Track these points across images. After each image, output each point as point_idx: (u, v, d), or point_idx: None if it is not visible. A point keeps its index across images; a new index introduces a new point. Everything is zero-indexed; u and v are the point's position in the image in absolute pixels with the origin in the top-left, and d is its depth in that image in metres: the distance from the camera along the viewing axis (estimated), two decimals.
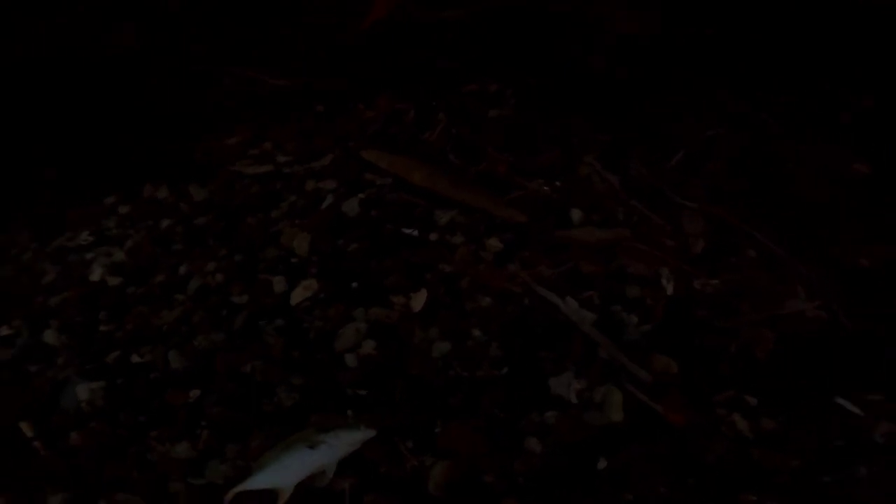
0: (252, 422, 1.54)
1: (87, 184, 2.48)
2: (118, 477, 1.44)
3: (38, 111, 2.90)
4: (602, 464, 1.43)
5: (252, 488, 1.38)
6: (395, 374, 1.65)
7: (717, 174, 2.27)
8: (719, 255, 2.01)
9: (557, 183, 2.27)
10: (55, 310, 1.92)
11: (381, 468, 1.45)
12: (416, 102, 2.80)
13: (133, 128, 2.81)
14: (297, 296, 1.84)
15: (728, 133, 2.42)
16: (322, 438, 1.40)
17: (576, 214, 2.14)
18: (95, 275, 2.03)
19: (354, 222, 2.11)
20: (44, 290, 1.99)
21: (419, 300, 1.83)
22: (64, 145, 2.72)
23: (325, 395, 1.59)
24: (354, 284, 1.88)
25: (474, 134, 2.60)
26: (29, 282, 2.02)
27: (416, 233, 2.09)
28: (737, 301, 1.83)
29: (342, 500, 1.38)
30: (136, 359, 1.74)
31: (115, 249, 2.13)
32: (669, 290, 1.89)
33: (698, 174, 2.26)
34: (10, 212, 2.36)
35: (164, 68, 3.15)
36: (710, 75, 2.72)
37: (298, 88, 2.98)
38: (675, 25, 3.01)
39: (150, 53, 3.25)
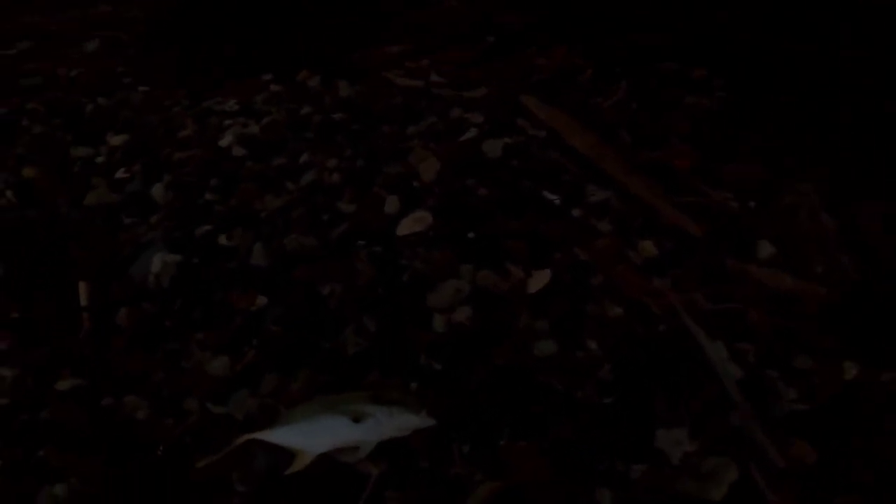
0: (305, 357, 1.21)
1: (254, 63, 2.30)
2: (140, 374, 1.19)
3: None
4: None
5: (270, 440, 1.06)
6: (481, 357, 1.22)
7: None
8: None
9: (751, 203, 1.63)
10: (175, 165, 1.73)
11: (420, 463, 1.07)
12: (597, 63, 2.22)
13: (308, 23, 2.56)
14: (406, 226, 1.45)
15: None
16: (372, 412, 1.03)
17: (765, 248, 1.51)
18: (225, 141, 1.82)
19: (492, 165, 1.67)
20: (175, 143, 1.81)
21: (539, 281, 1.35)
22: (247, 30, 2.55)
23: (395, 355, 1.21)
24: (471, 235, 1.44)
25: (658, 116, 1.98)
26: (165, 133, 1.86)
27: (557, 201, 1.59)
28: None
29: (362, 485, 1.01)
30: (222, 240, 1.48)
31: (252, 122, 1.92)
32: (851, 374, 1.28)
33: None
34: (178, 73, 2.25)
35: None
36: None
37: (475, 13, 2.52)
38: None
39: None
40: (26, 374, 1.19)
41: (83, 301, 1.36)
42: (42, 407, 1.13)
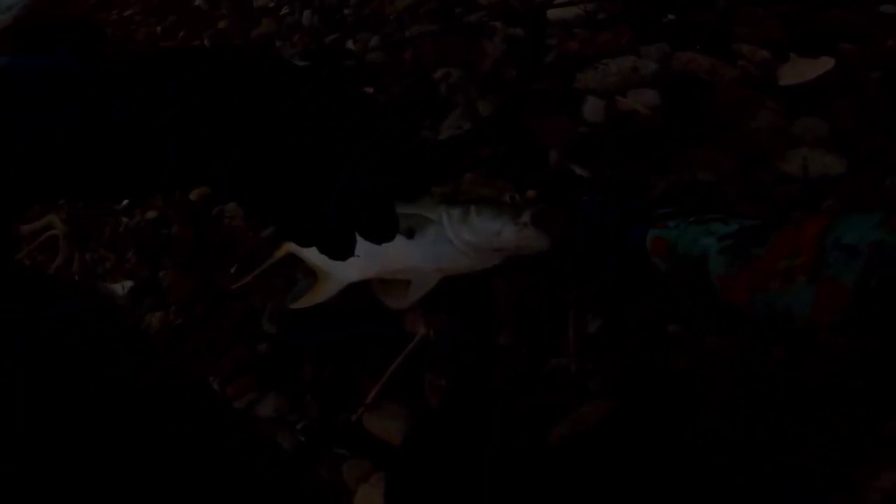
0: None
1: None
2: None
3: None
4: None
5: (301, 256, 0.63)
6: (664, 163, 0.60)
7: None
8: None
9: None
10: None
11: (501, 335, 0.53)
12: None
13: None
14: (562, 6, 0.88)
15: None
16: (435, 217, 0.51)
17: None
18: None
19: None
20: None
21: (807, 69, 0.65)
22: None
23: (512, 147, 0.67)
24: (671, 17, 0.80)
25: None
26: None
27: None
28: None
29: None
30: (349, 45, 1.13)
31: None
32: None
33: None
34: None
35: None
36: None
37: None
38: None
39: None
40: None
41: None
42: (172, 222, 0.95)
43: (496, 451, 0.49)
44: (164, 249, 0.93)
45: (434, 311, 0.56)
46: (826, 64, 0.65)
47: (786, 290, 0.36)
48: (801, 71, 0.65)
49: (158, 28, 1.89)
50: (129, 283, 0.91)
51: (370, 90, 0.94)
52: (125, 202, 1.04)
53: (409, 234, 0.52)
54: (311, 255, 0.62)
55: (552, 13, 0.88)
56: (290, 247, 0.67)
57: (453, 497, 0.48)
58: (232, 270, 0.79)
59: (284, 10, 1.55)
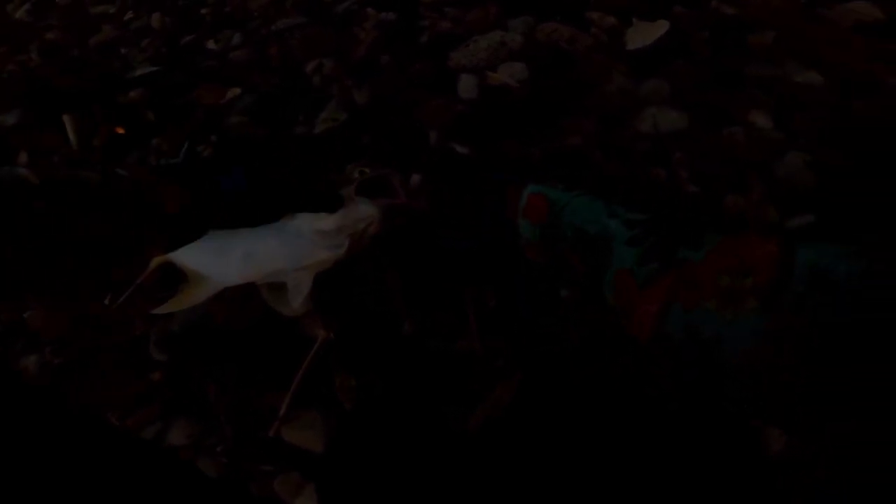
0: (265, 148, 0.71)
1: None
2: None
3: None
4: None
5: (178, 263, 0.58)
6: (540, 136, 0.63)
7: None
8: None
9: None
10: None
11: (404, 326, 0.53)
12: None
13: None
14: None
15: None
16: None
17: None
18: None
19: None
20: None
21: (648, 32, 0.72)
22: None
23: (391, 132, 0.67)
24: None
25: None
26: None
27: None
28: None
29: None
30: (210, 45, 1.05)
31: None
32: None
33: None
34: None
35: None
36: None
37: None
38: None
39: None
40: None
41: (70, 133, 1.04)
42: None
43: (419, 445, 0.48)
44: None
45: (330, 312, 0.53)
46: (662, 26, 0.74)
47: (724, 315, 0.28)
48: (642, 34, 0.73)
49: None
50: None
51: (237, 90, 0.87)
52: None
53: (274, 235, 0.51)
54: (186, 259, 0.57)
55: None
56: (164, 257, 0.61)
57: (385, 496, 0.47)
58: (106, 301, 0.70)
59: (129, 15, 1.39)
